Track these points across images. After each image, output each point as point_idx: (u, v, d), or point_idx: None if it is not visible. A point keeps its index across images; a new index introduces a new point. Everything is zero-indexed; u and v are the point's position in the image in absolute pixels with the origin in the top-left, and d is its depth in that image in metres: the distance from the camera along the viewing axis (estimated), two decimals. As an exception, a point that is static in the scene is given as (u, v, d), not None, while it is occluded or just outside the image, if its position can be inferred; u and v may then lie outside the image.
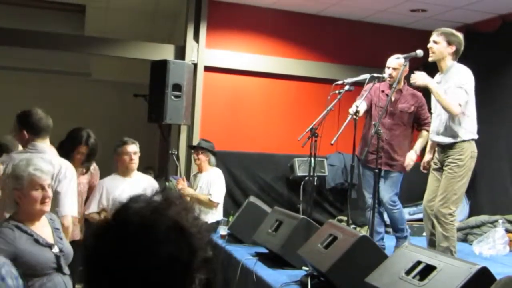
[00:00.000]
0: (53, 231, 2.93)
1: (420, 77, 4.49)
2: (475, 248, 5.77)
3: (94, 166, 4.57)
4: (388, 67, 5.12)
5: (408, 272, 2.85)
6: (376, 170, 4.58)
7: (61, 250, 2.86)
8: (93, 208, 4.33)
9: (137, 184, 4.32)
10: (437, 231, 4.46)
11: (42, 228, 2.89)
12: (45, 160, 3.05)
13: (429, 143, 4.91)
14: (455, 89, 4.39)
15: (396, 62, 5.06)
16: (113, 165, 4.66)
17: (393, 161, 5.11)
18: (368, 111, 5.20)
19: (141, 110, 6.72)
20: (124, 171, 4.42)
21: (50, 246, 2.83)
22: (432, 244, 4.58)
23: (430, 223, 4.63)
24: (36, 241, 2.79)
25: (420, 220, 6.83)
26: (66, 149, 4.17)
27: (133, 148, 4.38)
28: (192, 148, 6.17)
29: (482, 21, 7.13)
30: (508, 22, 6.84)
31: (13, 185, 2.82)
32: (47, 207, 2.87)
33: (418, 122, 5.25)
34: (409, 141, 5.23)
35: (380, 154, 5.07)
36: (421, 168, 5.00)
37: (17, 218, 2.83)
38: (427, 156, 4.91)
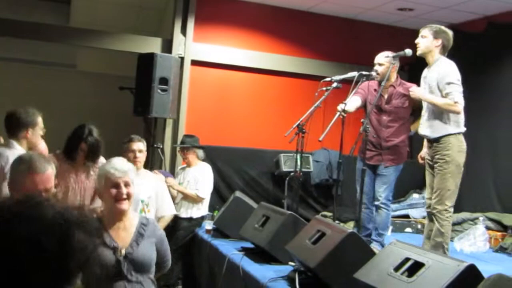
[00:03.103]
0: (136, 235, 2.84)
1: (416, 92, 4.68)
2: (456, 244, 5.85)
3: (101, 162, 4.36)
4: (375, 63, 5.16)
5: (396, 269, 2.88)
6: (364, 167, 4.61)
7: (127, 256, 2.76)
8: (97, 203, 4.23)
9: (143, 182, 4.24)
10: (434, 226, 4.53)
11: (121, 229, 2.84)
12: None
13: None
14: (444, 86, 4.45)
15: (381, 58, 5.09)
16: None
17: (392, 156, 5.12)
18: (365, 110, 5.23)
19: (127, 103, 6.69)
20: None
21: (114, 249, 2.76)
22: (429, 238, 4.65)
23: (430, 219, 4.70)
24: (103, 241, 2.75)
25: (402, 216, 6.97)
26: (69, 147, 4.13)
27: (138, 146, 4.30)
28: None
29: (468, 21, 7.22)
30: (493, 23, 6.93)
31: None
32: (125, 204, 2.81)
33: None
34: (408, 134, 5.25)
35: (380, 151, 5.11)
36: (419, 160, 5.05)
37: (101, 214, 2.89)
38: (424, 150, 4.96)
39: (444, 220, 4.50)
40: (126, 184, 2.81)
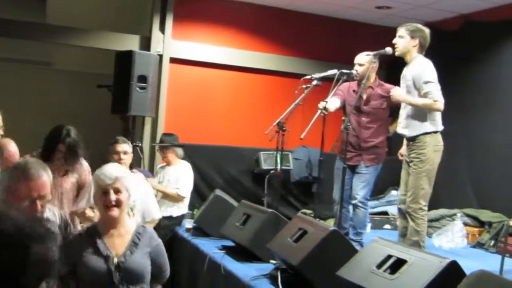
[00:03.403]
0: (130, 244, 2.80)
1: (396, 95, 4.70)
2: (435, 241, 5.92)
3: (82, 164, 4.26)
4: (355, 63, 5.17)
5: (379, 266, 2.89)
6: (345, 166, 4.63)
7: (119, 265, 2.71)
8: (81, 205, 4.16)
9: None
10: (409, 225, 4.55)
11: (115, 236, 2.80)
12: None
13: None
14: (422, 85, 4.48)
15: (362, 58, 5.10)
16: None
17: (371, 155, 5.14)
18: (344, 110, 5.25)
19: (105, 101, 6.61)
20: None
21: (106, 258, 2.72)
22: (404, 236, 4.68)
23: (403, 216, 4.72)
24: (97, 249, 2.73)
25: (381, 213, 7.02)
26: (46, 148, 4.05)
27: (123, 148, 4.26)
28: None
29: (445, 19, 7.29)
30: (469, 21, 7.01)
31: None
32: (114, 211, 2.76)
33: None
34: (387, 135, 5.28)
35: (359, 151, 5.13)
36: (399, 156, 5.09)
37: (97, 221, 2.87)
38: (404, 147, 5.00)
39: (419, 218, 4.53)
40: (117, 191, 2.76)
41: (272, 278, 3.65)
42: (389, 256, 2.92)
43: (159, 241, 2.97)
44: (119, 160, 4.18)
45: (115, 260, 2.71)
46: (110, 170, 2.82)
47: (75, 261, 2.73)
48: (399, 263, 2.83)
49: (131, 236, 2.82)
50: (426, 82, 4.47)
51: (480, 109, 6.80)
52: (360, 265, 3.01)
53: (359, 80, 5.11)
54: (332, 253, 3.31)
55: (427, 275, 2.60)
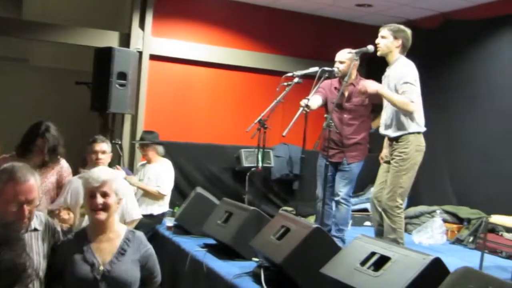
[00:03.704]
0: (118, 250, 2.72)
1: (370, 85, 4.64)
2: (415, 237, 5.97)
3: (61, 165, 4.23)
4: (336, 61, 5.18)
5: (363, 263, 2.89)
6: (327, 163, 4.63)
7: (104, 273, 2.63)
8: (57, 203, 4.07)
9: None
10: (385, 223, 4.56)
11: (104, 242, 2.74)
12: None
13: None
14: (401, 85, 4.50)
15: (342, 55, 5.11)
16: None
17: (354, 152, 5.16)
18: (326, 108, 5.25)
19: (83, 98, 6.54)
20: None
21: (92, 265, 2.65)
22: (379, 234, 4.70)
23: (378, 214, 4.73)
24: (83, 256, 2.67)
25: (361, 210, 7.05)
26: (23, 144, 4.00)
27: (101, 147, 4.13)
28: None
29: (425, 17, 7.34)
30: (448, 20, 7.08)
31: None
32: (101, 215, 2.70)
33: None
34: (369, 132, 5.29)
35: (341, 148, 5.14)
36: (380, 158, 5.11)
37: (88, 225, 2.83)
38: (385, 150, 5.01)
39: (396, 216, 4.55)
40: (104, 195, 2.70)
41: (255, 276, 3.64)
42: (373, 253, 2.92)
43: (149, 246, 2.88)
44: (96, 160, 4.08)
45: (101, 268, 2.65)
46: (98, 173, 2.76)
47: (62, 266, 2.68)
48: (382, 260, 2.84)
49: (119, 243, 2.75)
50: (406, 83, 4.50)
51: (460, 106, 6.87)
52: (343, 263, 3.02)
53: (340, 77, 5.12)
54: (315, 251, 3.31)
55: (411, 272, 2.61)
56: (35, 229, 2.66)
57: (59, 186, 4.19)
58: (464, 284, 2.20)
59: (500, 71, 6.40)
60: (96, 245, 2.72)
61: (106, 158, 4.15)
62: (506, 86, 6.30)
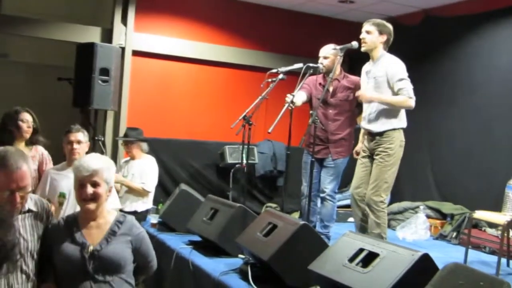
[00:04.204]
0: (108, 232, 2.70)
1: (363, 95, 4.64)
2: (399, 233, 6.01)
3: (41, 152, 4.36)
4: (320, 57, 5.17)
5: (351, 260, 2.89)
6: (313, 159, 4.63)
7: (93, 253, 2.62)
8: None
9: None
10: (369, 218, 4.57)
11: (93, 228, 2.72)
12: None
13: (362, 130, 5.02)
14: (396, 83, 4.50)
15: (326, 51, 5.11)
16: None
17: (339, 148, 5.16)
18: (310, 104, 5.25)
19: (65, 94, 6.45)
20: (70, 161, 4.08)
21: (81, 246, 2.63)
22: (361, 229, 4.71)
23: (359, 210, 4.74)
24: (73, 238, 2.65)
25: (345, 206, 7.06)
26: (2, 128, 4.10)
27: (75, 137, 4.05)
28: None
29: (406, 14, 7.38)
30: (430, 16, 7.12)
31: None
32: (91, 205, 2.67)
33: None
34: (354, 127, 5.29)
35: (327, 144, 5.15)
36: (354, 155, 5.12)
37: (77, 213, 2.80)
38: (360, 145, 5.03)
39: (380, 211, 4.57)
40: (94, 184, 2.68)
41: (242, 273, 3.63)
42: (361, 250, 2.93)
43: (142, 230, 2.86)
44: (71, 150, 4.03)
45: (91, 248, 2.63)
46: (89, 162, 2.71)
47: (51, 248, 2.66)
48: (371, 257, 2.84)
49: (109, 226, 2.73)
50: (401, 79, 4.50)
51: (441, 103, 6.92)
52: (331, 259, 3.01)
53: (325, 73, 5.12)
54: (303, 247, 3.31)
55: (400, 268, 2.62)
56: (29, 210, 2.64)
57: (40, 174, 4.26)
58: (454, 280, 2.21)
59: (481, 67, 6.46)
60: (86, 230, 2.70)
61: (82, 148, 4.07)
62: (486, 82, 6.37)
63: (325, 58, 5.10)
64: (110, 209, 2.86)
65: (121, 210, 4.76)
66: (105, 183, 2.71)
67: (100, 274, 2.62)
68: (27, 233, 2.60)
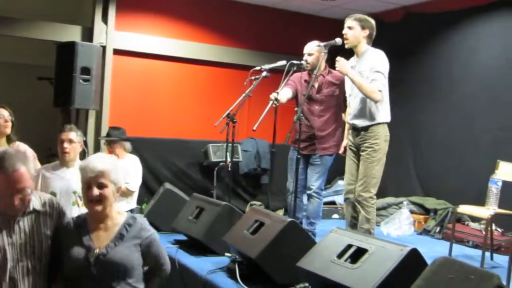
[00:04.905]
0: (116, 235, 2.62)
1: (342, 65, 4.55)
2: (383, 229, 6.04)
3: (24, 149, 4.30)
4: (304, 53, 5.18)
5: (339, 256, 2.89)
6: (299, 156, 4.62)
7: (99, 257, 2.55)
8: None
9: (77, 175, 3.98)
10: (360, 214, 4.59)
11: (102, 230, 2.65)
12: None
13: (347, 126, 5.03)
14: (372, 73, 4.49)
15: (311, 47, 5.11)
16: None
17: (325, 145, 5.17)
18: (296, 101, 5.25)
19: (46, 94, 6.37)
20: (62, 161, 4.06)
21: (88, 249, 2.56)
22: (352, 226, 4.72)
23: (351, 206, 4.74)
24: (80, 240, 2.58)
25: (330, 203, 7.10)
26: None
27: (67, 136, 4.01)
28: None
29: (387, 11, 7.43)
30: (410, 13, 7.18)
31: None
32: (97, 206, 2.59)
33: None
34: (340, 123, 5.29)
35: (313, 140, 5.15)
36: (341, 152, 5.12)
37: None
38: (345, 141, 5.03)
39: (370, 207, 4.58)
40: (101, 186, 2.59)
41: (229, 271, 3.61)
42: (349, 246, 2.92)
43: (152, 231, 2.78)
44: (63, 149, 4.00)
45: (96, 251, 2.56)
46: (95, 163, 2.63)
47: (61, 249, 2.61)
48: (359, 252, 2.84)
49: (118, 228, 2.65)
50: (377, 72, 4.49)
51: (424, 99, 6.98)
52: (320, 256, 3.01)
53: (310, 70, 5.13)
54: (290, 245, 3.30)
55: (389, 263, 2.62)
56: (35, 211, 2.59)
57: None
58: (444, 274, 2.23)
59: (461, 63, 6.53)
60: (94, 232, 2.63)
61: (73, 147, 4.04)
62: (466, 77, 6.44)
63: (310, 55, 5.11)
64: (121, 210, 2.79)
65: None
66: (112, 184, 2.63)
67: (106, 279, 2.55)
68: (33, 233, 2.55)
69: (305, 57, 5.11)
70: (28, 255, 2.51)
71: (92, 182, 2.59)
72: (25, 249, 2.52)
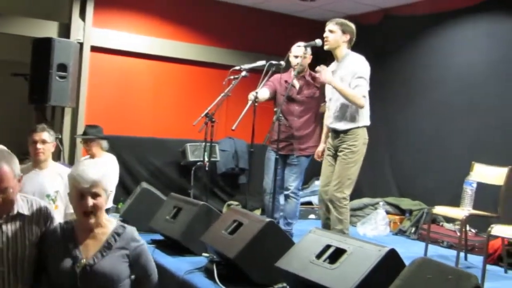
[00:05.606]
0: (103, 245, 2.51)
1: (325, 75, 4.57)
2: (359, 229, 6.08)
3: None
4: (296, 56, 5.15)
5: (318, 256, 2.90)
6: (277, 156, 4.63)
7: (85, 268, 2.44)
8: None
9: (50, 175, 3.86)
10: (332, 215, 4.60)
11: (90, 238, 2.53)
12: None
13: (324, 131, 5.05)
14: (355, 79, 4.52)
15: (298, 50, 5.12)
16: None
17: (303, 145, 5.18)
18: (275, 101, 5.25)
19: (20, 90, 6.27)
20: (35, 162, 3.91)
21: (74, 259, 2.46)
22: (326, 227, 4.73)
23: (325, 207, 4.75)
24: (67, 249, 2.48)
25: (306, 203, 7.11)
26: None
27: (39, 136, 3.85)
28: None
29: (365, 13, 7.47)
30: (388, 16, 7.23)
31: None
32: (91, 219, 2.47)
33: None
34: (318, 124, 5.30)
35: (291, 141, 5.16)
36: (315, 156, 5.14)
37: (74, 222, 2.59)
38: (322, 146, 5.05)
39: (342, 207, 4.59)
40: (94, 195, 2.47)
41: (207, 271, 3.60)
42: (328, 246, 2.94)
43: (141, 242, 2.66)
44: (35, 151, 3.88)
45: (83, 261, 2.46)
46: (88, 171, 2.49)
47: (47, 257, 2.53)
48: (338, 253, 2.85)
49: (106, 237, 2.55)
50: (360, 77, 4.51)
51: (400, 101, 7.04)
52: (298, 256, 3.02)
53: (299, 72, 5.12)
54: (269, 245, 3.30)
55: (367, 263, 2.64)
56: (20, 214, 2.49)
57: None
58: (422, 274, 2.25)
59: (438, 65, 6.61)
60: (81, 241, 2.53)
61: (47, 148, 3.90)
62: (443, 79, 6.51)
63: (296, 57, 5.11)
64: (109, 218, 2.66)
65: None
66: (104, 192, 2.54)
67: None
68: (16, 239, 2.46)
69: (291, 58, 5.13)
70: (9, 262, 2.43)
71: (86, 193, 2.47)
72: (7, 256, 2.42)
